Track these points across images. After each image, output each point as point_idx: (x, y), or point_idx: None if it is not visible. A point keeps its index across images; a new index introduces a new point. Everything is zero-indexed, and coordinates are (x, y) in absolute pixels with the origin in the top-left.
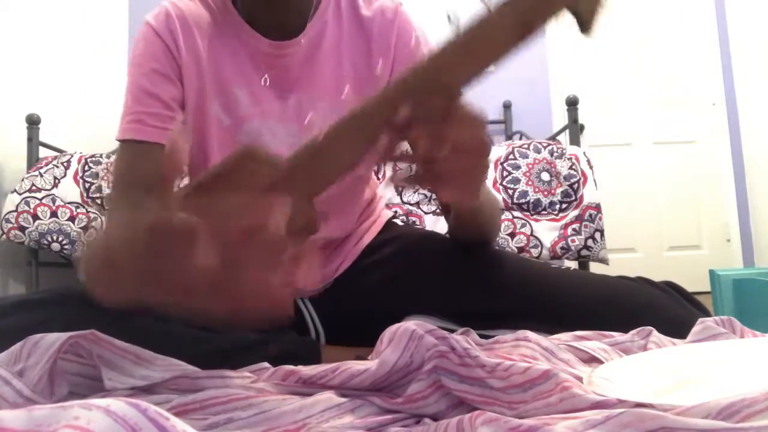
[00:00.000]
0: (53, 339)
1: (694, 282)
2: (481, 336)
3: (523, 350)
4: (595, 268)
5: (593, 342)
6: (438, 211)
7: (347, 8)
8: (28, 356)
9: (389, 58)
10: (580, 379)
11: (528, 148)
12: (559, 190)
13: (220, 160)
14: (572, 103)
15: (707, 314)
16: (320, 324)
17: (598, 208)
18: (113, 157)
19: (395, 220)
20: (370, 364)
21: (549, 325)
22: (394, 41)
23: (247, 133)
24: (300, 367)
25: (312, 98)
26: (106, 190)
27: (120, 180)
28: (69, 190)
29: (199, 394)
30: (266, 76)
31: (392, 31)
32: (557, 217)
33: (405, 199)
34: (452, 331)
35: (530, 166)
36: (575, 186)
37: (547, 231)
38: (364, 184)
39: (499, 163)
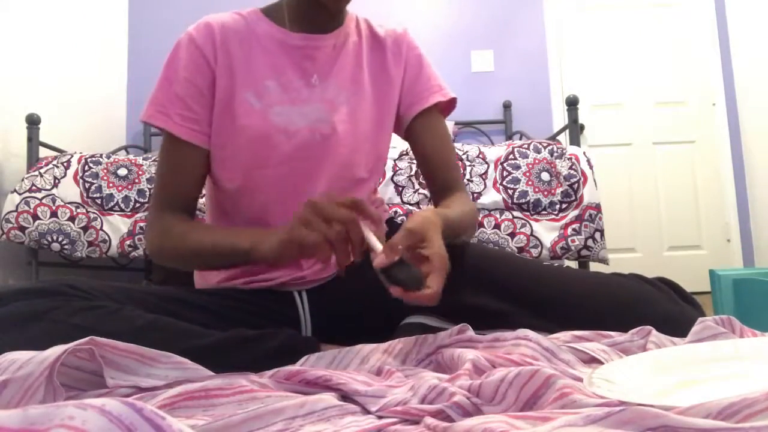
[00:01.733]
0: (49, 353)
1: (694, 282)
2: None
3: (524, 349)
4: (595, 268)
5: (593, 343)
6: None
7: (366, 29)
8: (18, 368)
9: (401, 63)
10: (580, 379)
11: (528, 148)
12: (559, 190)
13: (247, 133)
14: (572, 103)
15: (699, 309)
16: (309, 316)
17: (598, 208)
18: (113, 157)
19: (394, 220)
20: (374, 383)
21: (543, 320)
22: (405, 54)
23: (278, 114)
24: (304, 368)
25: (336, 87)
26: (106, 191)
27: (161, 171)
28: (69, 190)
29: (206, 382)
30: (316, 76)
31: (403, 45)
32: (557, 217)
33: (405, 199)
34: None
35: (530, 166)
36: (575, 186)
37: (547, 231)
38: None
39: (499, 163)
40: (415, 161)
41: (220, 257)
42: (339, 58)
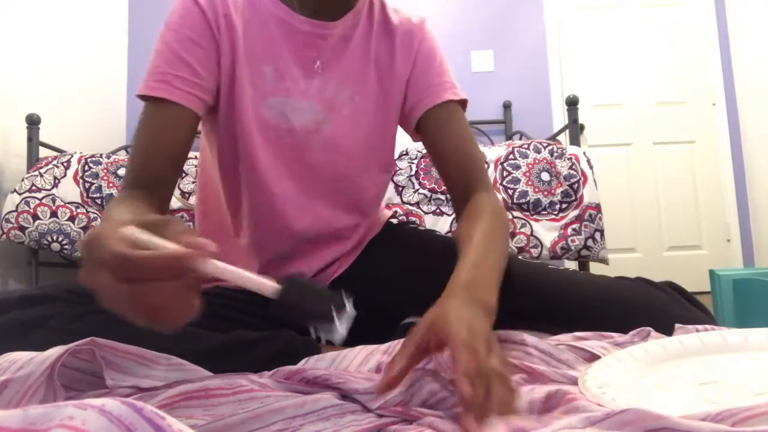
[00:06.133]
0: (49, 353)
1: (694, 282)
2: None
3: (520, 354)
4: (595, 268)
5: (593, 341)
6: (438, 211)
7: (378, 13)
8: (19, 368)
9: (411, 57)
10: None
11: (528, 148)
12: (559, 190)
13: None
14: (572, 103)
15: (708, 315)
16: None
17: (598, 208)
18: (113, 157)
19: (392, 220)
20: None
21: (549, 326)
22: (416, 48)
23: (270, 107)
24: (303, 367)
25: (337, 83)
26: (106, 191)
27: (140, 139)
28: (69, 190)
29: (206, 382)
30: (319, 62)
31: (415, 40)
32: (557, 217)
33: (405, 199)
34: None
35: (530, 166)
36: (575, 186)
37: (547, 231)
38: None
39: (499, 163)
40: (415, 162)
41: None
42: (346, 51)
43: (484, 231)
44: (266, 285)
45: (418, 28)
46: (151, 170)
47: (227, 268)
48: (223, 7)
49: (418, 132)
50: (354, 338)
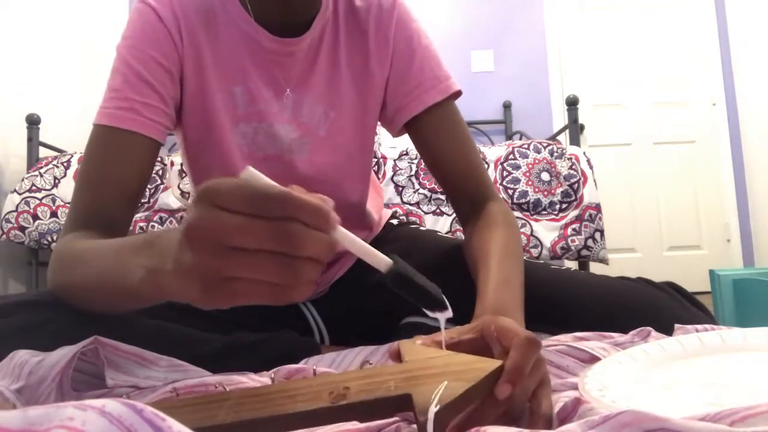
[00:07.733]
0: (57, 357)
1: (694, 282)
2: None
3: None
4: (595, 268)
5: (593, 342)
6: (438, 211)
7: (344, 6)
8: (29, 374)
9: (387, 54)
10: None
11: (528, 148)
12: (559, 190)
13: (223, 160)
14: (572, 103)
15: (708, 315)
16: (324, 326)
17: (598, 208)
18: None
19: (393, 221)
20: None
21: (550, 326)
22: (393, 34)
23: (242, 134)
24: (304, 366)
25: (311, 102)
26: None
27: (93, 171)
28: (69, 190)
29: (205, 378)
30: (289, 91)
31: (390, 25)
32: (557, 217)
33: (405, 199)
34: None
35: (530, 166)
36: (575, 186)
37: (547, 231)
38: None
39: (499, 163)
40: (415, 162)
41: (117, 293)
42: (316, 63)
43: (503, 243)
44: (382, 259)
45: (388, 14)
46: (106, 210)
47: (352, 236)
48: (184, 18)
49: (406, 132)
50: (354, 339)
